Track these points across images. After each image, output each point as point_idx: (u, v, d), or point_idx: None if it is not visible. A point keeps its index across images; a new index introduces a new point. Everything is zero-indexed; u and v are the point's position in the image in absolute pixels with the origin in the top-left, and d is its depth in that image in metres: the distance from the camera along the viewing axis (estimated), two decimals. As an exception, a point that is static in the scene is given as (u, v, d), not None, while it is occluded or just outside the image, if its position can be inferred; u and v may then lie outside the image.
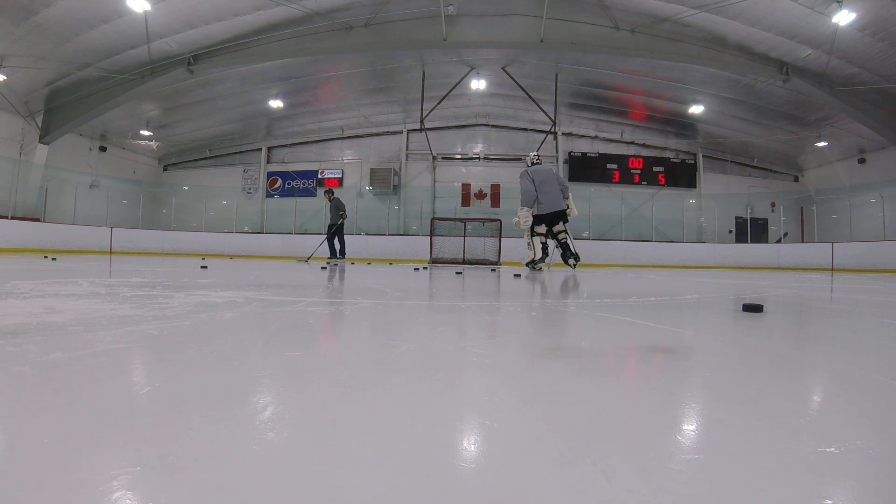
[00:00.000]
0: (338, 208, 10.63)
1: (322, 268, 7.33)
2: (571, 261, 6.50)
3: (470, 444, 0.66)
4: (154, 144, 16.65)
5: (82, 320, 1.60)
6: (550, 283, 5.03)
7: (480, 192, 16.32)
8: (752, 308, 2.31)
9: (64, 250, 12.39)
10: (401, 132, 16.68)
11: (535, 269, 6.63)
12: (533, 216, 6.48)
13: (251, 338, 1.45)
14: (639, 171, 16.39)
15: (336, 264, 9.13)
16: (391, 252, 14.24)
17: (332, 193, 10.97)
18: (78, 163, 14.81)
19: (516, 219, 6.74)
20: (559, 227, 6.40)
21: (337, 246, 10.59)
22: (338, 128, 16.83)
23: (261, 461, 0.57)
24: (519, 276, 6.02)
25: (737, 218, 16.38)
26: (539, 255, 6.47)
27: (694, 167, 16.54)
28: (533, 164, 6.85)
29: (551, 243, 6.69)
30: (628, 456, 0.61)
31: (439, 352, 1.31)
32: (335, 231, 10.54)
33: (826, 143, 14.55)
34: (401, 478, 0.54)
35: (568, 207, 6.43)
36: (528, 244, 6.63)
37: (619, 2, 9.93)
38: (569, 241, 6.52)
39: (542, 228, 6.46)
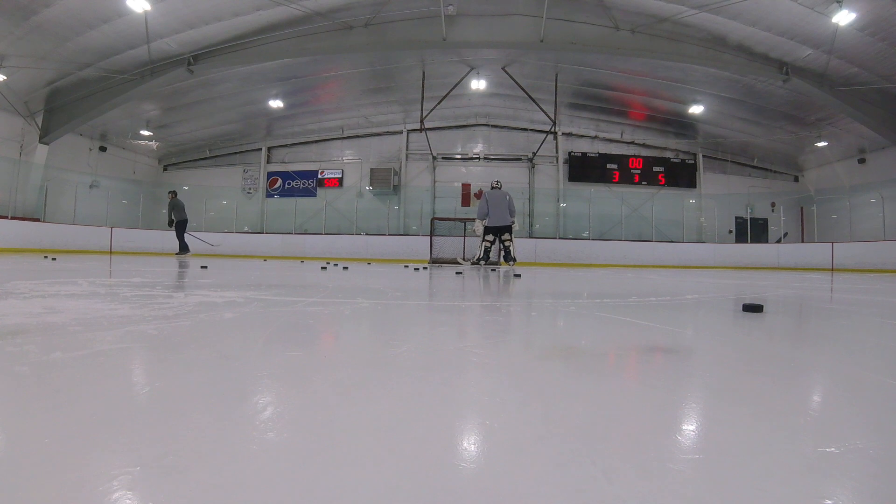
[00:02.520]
0: (174, 208, 11.48)
1: (322, 267, 7.32)
2: (510, 260, 8.42)
3: (470, 445, 0.66)
4: (154, 144, 16.65)
5: (82, 320, 1.60)
6: (549, 284, 5.04)
7: (480, 192, 16.30)
8: (752, 308, 2.31)
9: (64, 250, 12.39)
10: (401, 132, 16.68)
11: (477, 264, 8.61)
12: (485, 227, 8.36)
13: (251, 338, 1.45)
14: (639, 171, 16.39)
15: (185, 261, 9.19)
16: (391, 252, 14.23)
17: (176, 195, 12.00)
18: (78, 163, 14.80)
19: (473, 227, 8.95)
20: (506, 236, 8.29)
21: (178, 242, 11.65)
22: (338, 128, 16.83)
23: (261, 461, 0.57)
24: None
25: (737, 218, 16.38)
26: (482, 254, 8.44)
27: (694, 167, 16.54)
28: (492, 188, 8.65)
29: (497, 248, 8.91)
30: (628, 456, 0.61)
31: (440, 352, 1.31)
32: (181, 228, 11.52)
33: (826, 143, 14.54)
34: (402, 478, 0.54)
35: (513, 223, 8.34)
36: (480, 246, 8.57)
37: (619, 2, 9.92)
38: (510, 248, 8.38)
39: (490, 237, 8.39)
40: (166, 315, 1.77)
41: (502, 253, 8.71)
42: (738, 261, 13.64)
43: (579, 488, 0.52)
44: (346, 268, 7.28)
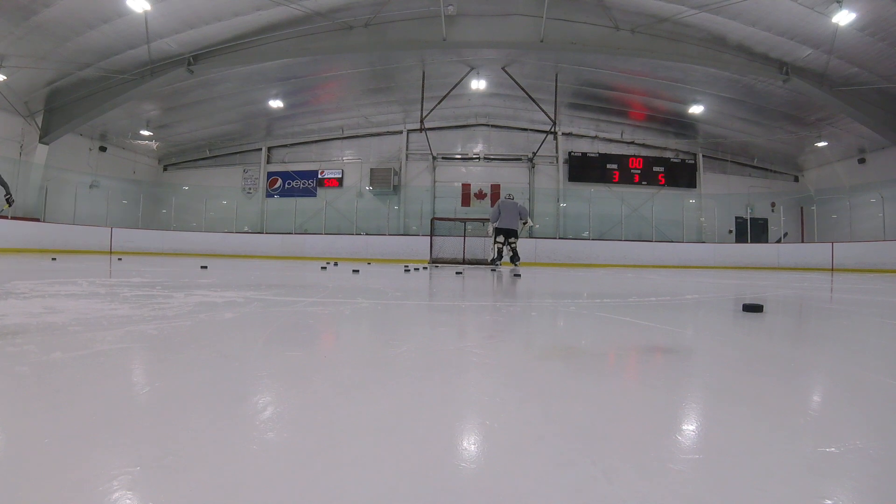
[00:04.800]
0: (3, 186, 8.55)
1: (322, 268, 7.32)
2: (516, 260, 9.44)
3: (470, 445, 0.66)
4: (154, 144, 16.65)
5: (82, 320, 1.60)
6: (549, 284, 5.04)
7: (480, 192, 16.31)
8: (752, 308, 2.31)
9: (64, 250, 12.38)
10: (401, 132, 16.67)
11: (495, 265, 9.64)
12: (496, 229, 9.42)
13: (251, 338, 1.45)
14: (639, 171, 16.38)
15: None
16: (391, 252, 14.23)
17: None
18: (78, 163, 14.79)
19: (486, 229, 10.38)
20: (512, 239, 9.39)
21: None
22: (338, 128, 16.82)
23: (261, 461, 0.57)
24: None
25: (737, 218, 16.37)
26: (496, 255, 9.48)
27: (694, 167, 16.53)
28: (505, 199, 9.69)
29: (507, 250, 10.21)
30: (628, 456, 0.61)
31: (440, 352, 1.31)
32: None
33: (826, 143, 14.53)
34: (402, 478, 0.54)
35: (525, 223, 9.42)
36: (493, 248, 9.61)
37: (619, 2, 9.92)
38: (516, 248, 9.47)
39: (501, 238, 9.34)
40: (166, 315, 1.77)
41: (509, 254, 10.18)
42: (738, 261, 13.64)
43: (579, 488, 0.52)
44: (356, 271, 6.68)
